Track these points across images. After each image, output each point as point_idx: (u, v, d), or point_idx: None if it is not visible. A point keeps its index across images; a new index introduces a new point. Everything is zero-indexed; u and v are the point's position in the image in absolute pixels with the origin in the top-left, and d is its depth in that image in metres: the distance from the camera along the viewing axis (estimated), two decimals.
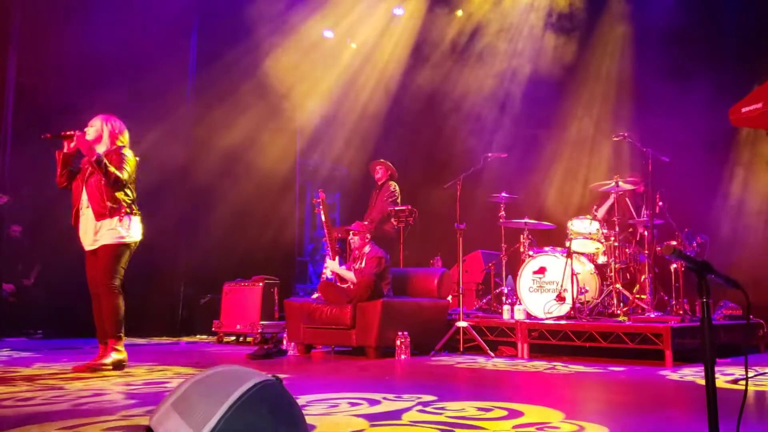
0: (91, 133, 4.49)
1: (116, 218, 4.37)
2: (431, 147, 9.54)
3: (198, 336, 8.16)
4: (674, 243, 5.77)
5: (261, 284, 7.26)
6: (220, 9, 8.61)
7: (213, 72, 8.51)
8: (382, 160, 7.62)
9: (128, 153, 4.53)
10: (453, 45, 9.27)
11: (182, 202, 8.38)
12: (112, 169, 4.31)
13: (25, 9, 7.28)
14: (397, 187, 7.44)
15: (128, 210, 4.44)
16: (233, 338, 7.52)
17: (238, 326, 7.24)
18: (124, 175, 4.41)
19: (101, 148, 4.46)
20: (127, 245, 4.43)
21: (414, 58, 9.45)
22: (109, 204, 4.36)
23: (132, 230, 4.45)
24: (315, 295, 6.29)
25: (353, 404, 3.08)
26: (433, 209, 8.06)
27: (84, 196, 4.44)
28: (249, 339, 7.24)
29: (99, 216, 4.36)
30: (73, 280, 5.37)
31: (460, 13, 9.17)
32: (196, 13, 8.71)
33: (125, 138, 4.61)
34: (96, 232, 4.38)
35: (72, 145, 4.36)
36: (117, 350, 4.30)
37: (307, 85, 9.39)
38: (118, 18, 7.57)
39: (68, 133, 4.35)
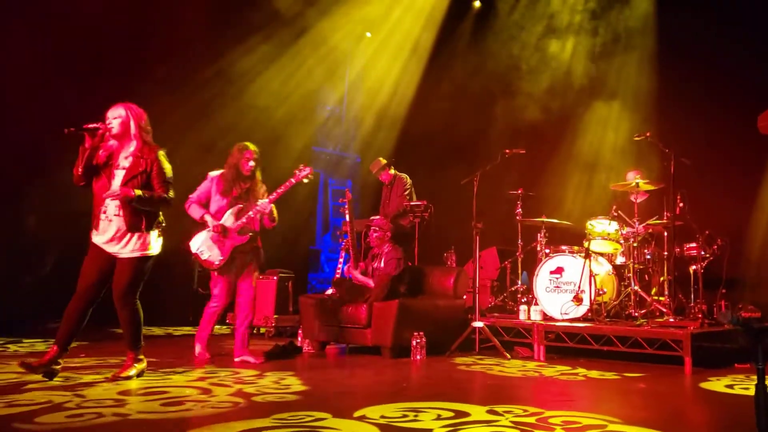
0: (116, 126, 4.06)
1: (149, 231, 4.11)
2: (448, 138, 9.43)
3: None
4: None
5: (275, 278, 7.25)
6: None
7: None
8: (382, 163, 7.21)
9: (165, 159, 4.17)
10: (476, 38, 9.14)
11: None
12: (157, 196, 4.05)
13: None
14: (409, 180, 7.26)
15: (162, 224, 4.21)
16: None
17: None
18: (171, 193, 4.15)
19: (130, 146, 4.11)
20: (153, 257, 4.16)
21: (435, 49, 9.32)
22: (145, 220, 4.07)
23: (160, 241, 4.20)
24: (329, 291, 6.28)
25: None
26: (447, 202, 7.95)
27: (113, 202, 4.03)
28: (263, 330, 7.26)
29: (133, 228, 4.04)
30: None
31: (477, 3, 9.03)
32: None
33: (149, 128, 4.20)
34: (127, 241, 4.04)
35: (94, 138, 3.96)
36: (139, 360, 4.16)
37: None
38: None
39: (91, 126, 3.98)
